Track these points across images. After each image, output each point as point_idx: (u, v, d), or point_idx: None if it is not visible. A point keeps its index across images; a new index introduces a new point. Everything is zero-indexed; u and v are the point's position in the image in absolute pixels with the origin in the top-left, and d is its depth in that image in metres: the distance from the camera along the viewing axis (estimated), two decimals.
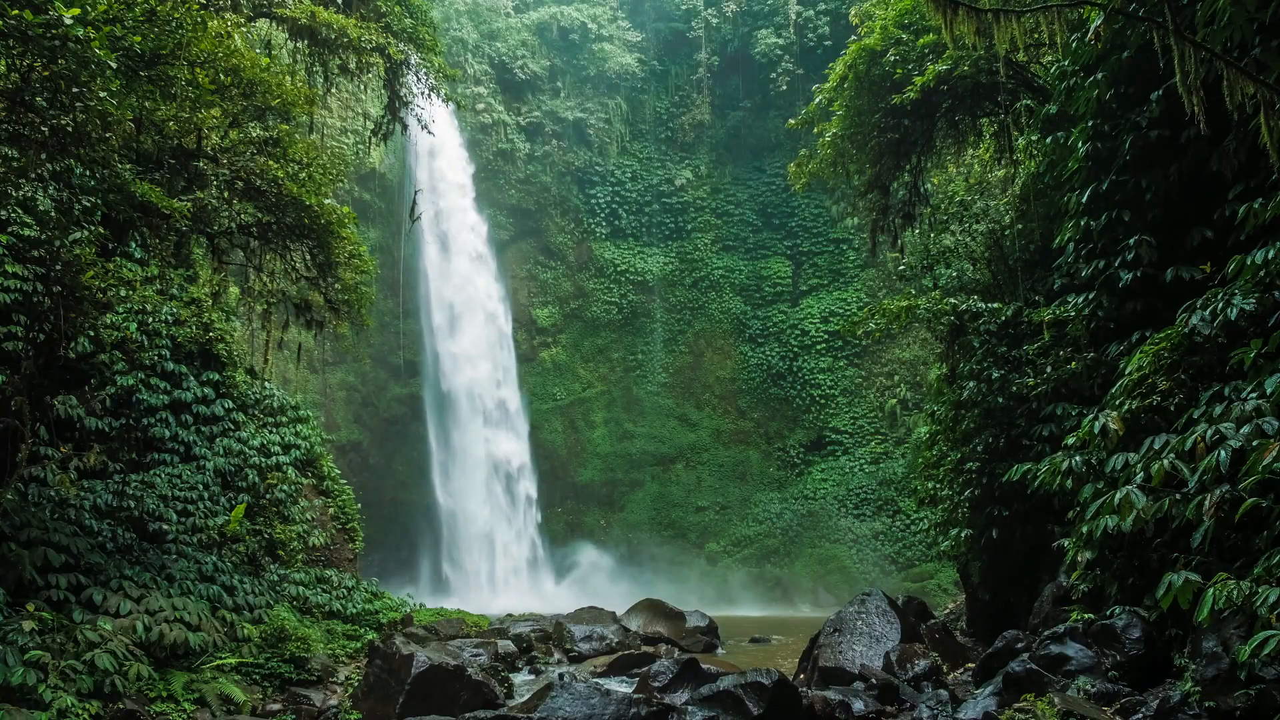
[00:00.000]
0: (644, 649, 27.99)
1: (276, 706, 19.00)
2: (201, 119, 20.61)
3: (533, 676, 24.41)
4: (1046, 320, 18.69)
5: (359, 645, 23.89)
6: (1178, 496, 11.38)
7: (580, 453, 61.92)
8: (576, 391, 62.67)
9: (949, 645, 20.36)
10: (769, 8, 64.55)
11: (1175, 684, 11.46)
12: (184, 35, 16.09)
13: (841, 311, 59.26)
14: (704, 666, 19.18)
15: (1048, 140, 19.28)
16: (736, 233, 64.67)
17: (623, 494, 61.20)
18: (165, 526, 21.51)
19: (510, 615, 37.19)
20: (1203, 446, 11.03)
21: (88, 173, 17.77)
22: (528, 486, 58.60)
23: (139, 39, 14.85)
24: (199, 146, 22.16)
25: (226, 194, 22.03)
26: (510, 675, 23.28)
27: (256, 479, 24.88)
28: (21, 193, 16.11)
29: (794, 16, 62.91)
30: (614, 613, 31.81)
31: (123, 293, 17.99)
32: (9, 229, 16.38)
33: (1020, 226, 22.49)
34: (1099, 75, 16.83)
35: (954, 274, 24.97)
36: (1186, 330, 13.12)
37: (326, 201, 23.13)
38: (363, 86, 42.11)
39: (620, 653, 26.69)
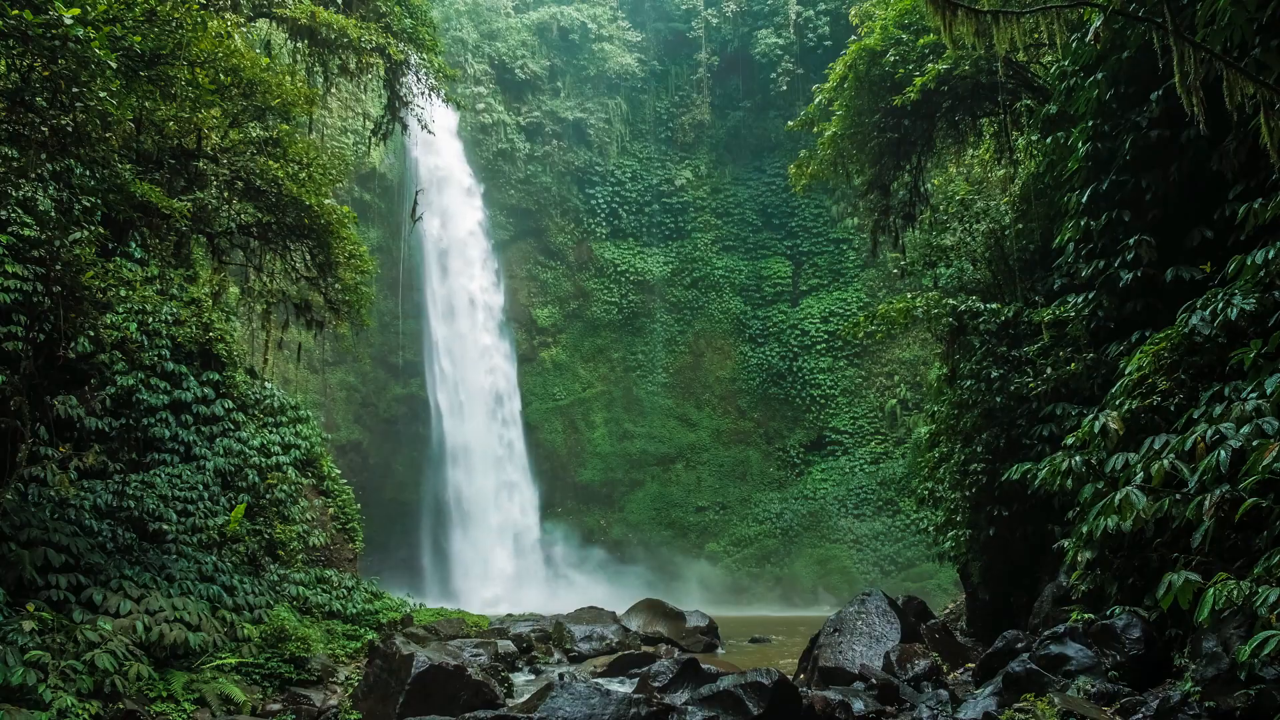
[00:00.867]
0: (644, 649, 28.03)
1: (276, 706, 18.99)
2: (201, 119, 20.67)
3: (533, 676, 24.43)
4: (1046, 320, 18.69)
5: (359, 645, 23.90)
6: (1178, 496, 11.38)
7: (580, 453, 61.97)
8: (576, 391, 62.70)
9: (949, 645, 20.35)
10: (769, 8, 64.61)
11: (1175, 684, 11.47)
12: (184, 35, 16.08)
13: (842, 311, 59.35)
14: (704, 666, 19.12)
15: (1048, 140, 19.27)
16: (736, 233, 64.78)
17: (623, 494, 61.27)
18: (165, 526, 21.48)
19: (510, 615, 37.24)
20: (1203, 446, 11.03)
21: (88, 172, 17.79)
22: (528, 487, 58.70)
23: (139, 39, 14.86)
24: (199, 146, 22.19)
25: (226, 194, 22.10)
26: (510, 675, 23.31)
27: (256, 479, 24.84)
28: (21, 193, 16.09)
29: (794, 16, 62.95)
30: (614, 613, 31.86)
31: (123, 293, 17.97)
32: (9, 229, 16.36)
33: (1020, 226, 22.47)
34: (1099, 75, 16.83)
35: (954, 274, 24.94)
36: (1186, 330, 13.12)
37: (326, 201, 23.22)
38: (362, 86, 42.28)
39: (620, 653, 26.73)
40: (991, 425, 20.26)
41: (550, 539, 58.75)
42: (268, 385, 27.92)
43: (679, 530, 59.73)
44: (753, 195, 64.90)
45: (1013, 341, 20.28)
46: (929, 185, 28.64)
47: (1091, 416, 13.83)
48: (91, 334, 19.24)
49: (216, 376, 25.05)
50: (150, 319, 23.20)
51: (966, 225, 24.41)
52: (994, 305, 20.89)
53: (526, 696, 19.49)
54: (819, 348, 60.56)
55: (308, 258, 24.52)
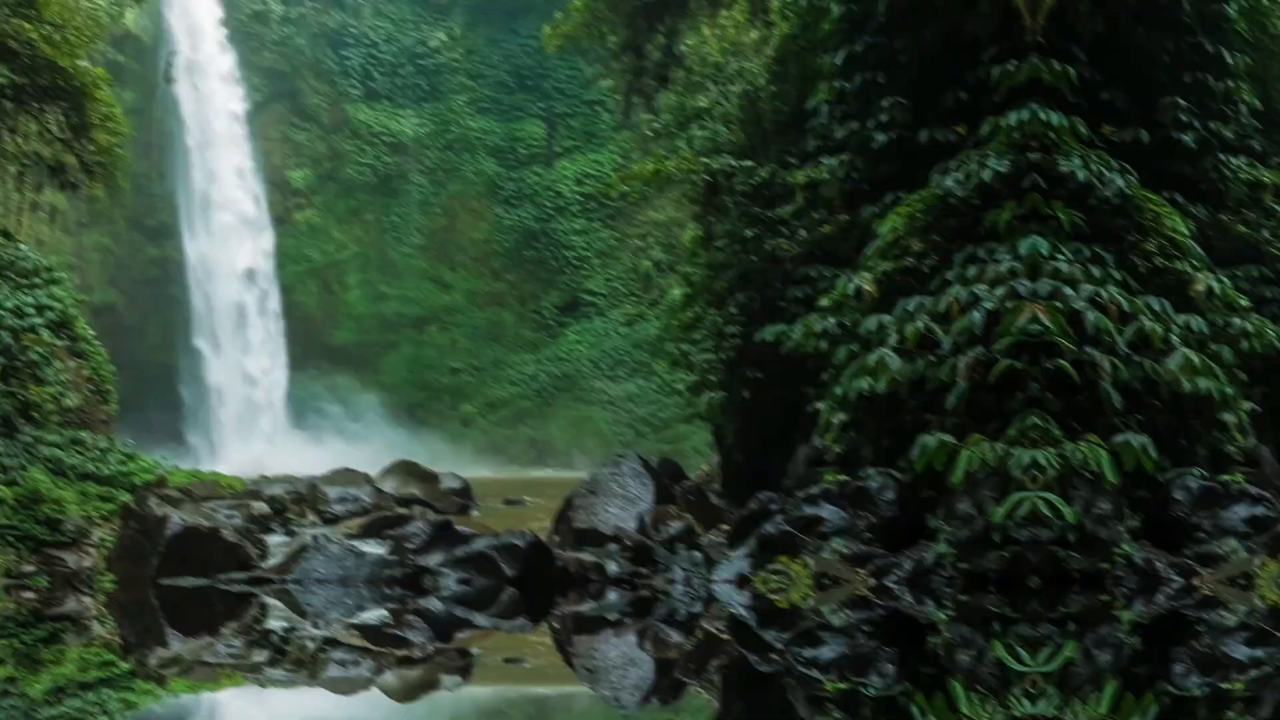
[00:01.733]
0: (398, 511, 27.74)
1: (30, 568, 19.11)
2: None
3: (287, 538, 24.05)
4: (801, 182, 18.67)
5: (113, 507, 23.26)
6: (932, 358, 11.48)
7: (335, 315, 61.01)
8: (331, 254, 61.40)
9: (703, 507, 20.55)
10: None
11: (930, 546, 11.67)
12: None
13: (596, 174, 59.23)
14: (458, 528, 19.19)
15: (802, 1, 19.13)
16: (491, 95, 63.82)
17: (377, 356, 60.61)
18: None
19: (264, 477, 36.23)
20: (957, 308, 11.11)
21: None
22: (283, 350, 57.85)
23: None
24: None
25: None
26: (265, 537, 23.07)
27: (10, 340, 24.21)
28: None
29: None
30: (367, 475, 31.40)
31: None
32: None
33: (775, 88, 22.35)
34: None
35: (709, 136, 24.83)
36: (940, 192, 13.20)
37: (81, 63, 23.78)
38: None
39: (374, 514, 26.34)
40: (746, 287, 20.24)
41: (305, 401, 57.98)
42: (22, 247, 27.27)
43: (433, 392, 59.67)
44: (507, 57, 63.96)
45: (767, 203, 20.21)
46: (683, 47, 28.50)
47: (845, 278, 13.85)
48: None
49: None
50: None
51: (721, 87, 24.33)
52: (748, 164, 20.74)
53: (281, 558, 19.54)
54: (573, 209, 60.58)
55: (62, 120, 24.70)
